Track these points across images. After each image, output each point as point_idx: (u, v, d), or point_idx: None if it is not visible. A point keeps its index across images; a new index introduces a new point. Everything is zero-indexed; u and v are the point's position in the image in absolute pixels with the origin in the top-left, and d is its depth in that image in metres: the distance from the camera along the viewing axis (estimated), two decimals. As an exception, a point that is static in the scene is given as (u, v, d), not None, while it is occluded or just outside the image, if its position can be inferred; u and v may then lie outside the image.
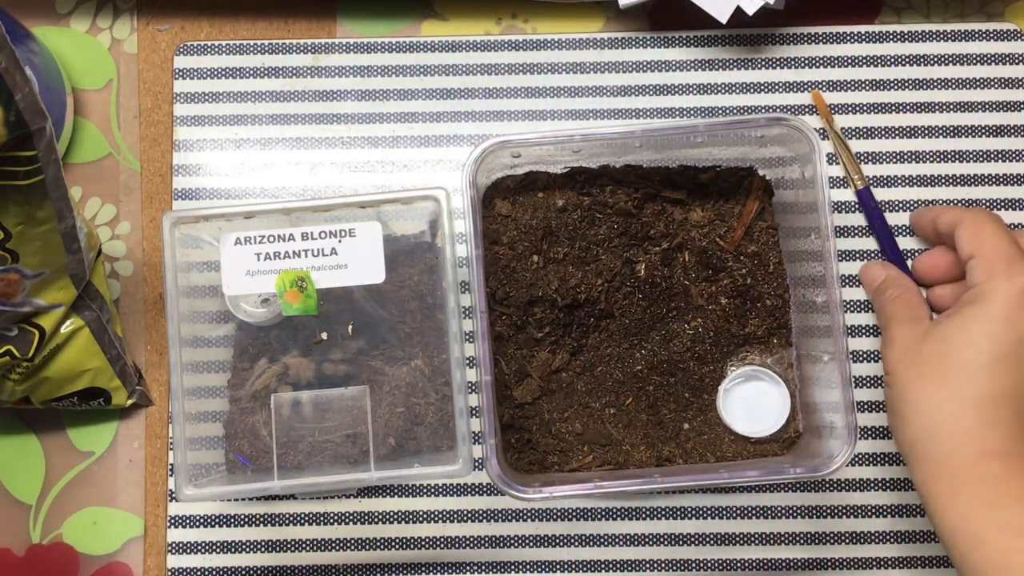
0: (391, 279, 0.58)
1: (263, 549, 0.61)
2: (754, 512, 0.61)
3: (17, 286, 0.53)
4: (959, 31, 0.64)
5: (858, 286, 0.62)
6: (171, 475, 0.62)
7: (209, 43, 0.65)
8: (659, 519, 0.61)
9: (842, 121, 0.63)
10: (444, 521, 0.61)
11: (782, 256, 0.59)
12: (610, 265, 0.58)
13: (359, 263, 0.53)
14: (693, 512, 0.61)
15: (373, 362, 0.58)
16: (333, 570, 0.61)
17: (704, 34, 0.64)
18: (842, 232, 0.62)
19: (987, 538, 0.44)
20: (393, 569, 0.61)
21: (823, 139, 0.63)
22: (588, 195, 0.59)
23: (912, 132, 0.63)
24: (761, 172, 0.59)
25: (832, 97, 0.63)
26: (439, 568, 0.61)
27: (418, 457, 0.57)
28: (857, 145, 0.63)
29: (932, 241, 0.59)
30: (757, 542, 0.61)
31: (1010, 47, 0.63)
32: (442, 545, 0.61)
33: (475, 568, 0.61)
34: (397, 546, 0.61)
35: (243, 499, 0.61)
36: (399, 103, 0.64)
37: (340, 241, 0.53)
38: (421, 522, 0.61)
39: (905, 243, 0.62)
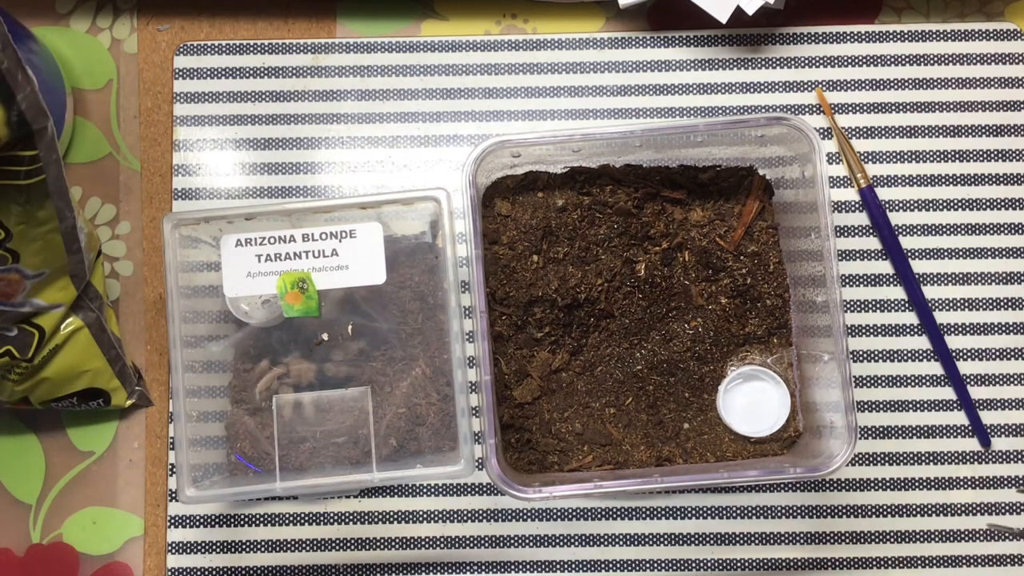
0: (392, 280, 0.58)
1: (263, 549, 0.61)
2: (754, 512, 0.61)
3: (17, 286, 0.53)
4: (959, 31, 0.64)
5: (858, 286, 0.62)
6: (171, 475, 0.62)
7: (209, 43, 0.65)
8: (659, 519, 0.61)
9: (842, 120, 0.63)
10: (444, 521, 0.61)
11: (782, 256, 0.59)
12: (610, 265, 0.58)
13: (360, 264, 0.54)
14: (693, 512, 0.61)
15: (374, 363, 0.58)
16: (333, 570, 0.61)
17: (704, 34, 0.64)
18: (842, 231, 0.62)
19: None
20: (393, 569, 0.61)
21: (825, 138, 0.63)
22: (588, 195, 0.59)
23: (912, 132, 0.63)
24: (761, 172, 0.60)
25: (832, 97, 0.63)
26: (439, 568, 0.61)
27: (420, 457, 0.57)
28: (857, 144, 0.63)
29: None
30: (757, 542, 0.61)
31: (1010, 47, 0.64)
32: (442, 545, 0.61)
33: (475, 568, 0.61)
34: (398, 546, 0.61)
35: (244, 500, 0.61)
36: (399, 103, 0.64)
37: (341, 242, 0.53)
38: (421, 522, 0.61)
39: (907, 242, 0.62)
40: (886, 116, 0.63)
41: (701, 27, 0.64)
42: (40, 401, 0.59)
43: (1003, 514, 0.61)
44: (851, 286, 0.62)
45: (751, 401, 0.58)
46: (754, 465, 0.54)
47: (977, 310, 0.62)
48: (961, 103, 0.63)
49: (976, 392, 0.61)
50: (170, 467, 0.62)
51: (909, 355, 0.62)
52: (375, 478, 0.52)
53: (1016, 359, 0.62)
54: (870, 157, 0.63)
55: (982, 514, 0.61)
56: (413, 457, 0.57)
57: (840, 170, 0.63)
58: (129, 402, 0.61)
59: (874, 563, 0.61)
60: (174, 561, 0.61)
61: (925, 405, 0.61)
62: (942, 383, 0.61)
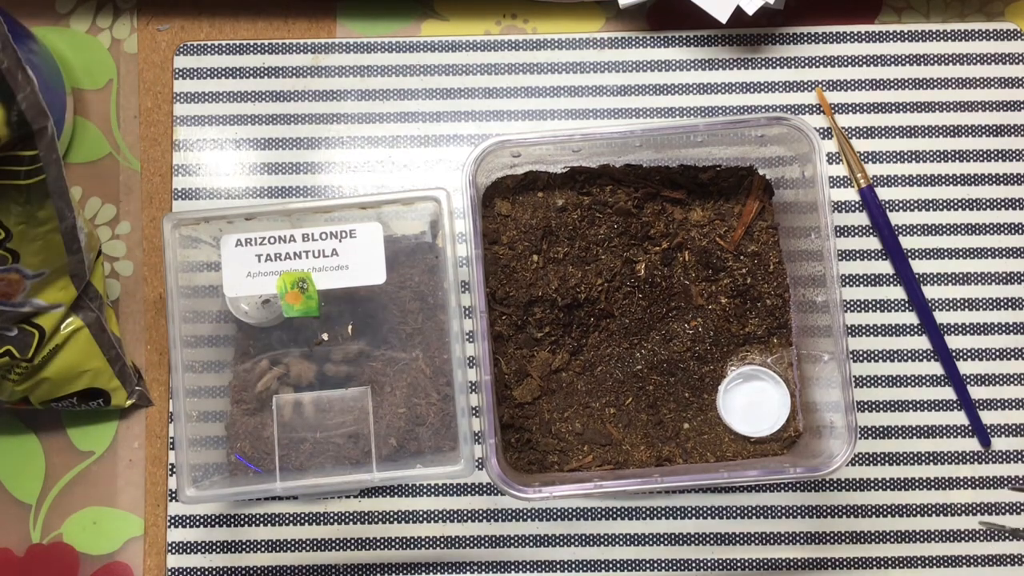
0: (392, 280, 0.58)
1: (263, 549, 0.61)
2: (754, 512, 0.61)
3: (17, 286, 0.53)
4: (959, 31, 0.64)
5: (858, 286, 0.62)
6: (171, 475, 0.62)
7: (209, 43, 0.65)
8: (659, 519, 0.61)
9: (842, 120, 0.63)
10: (444, 521, 0.61)
11: (782, 256, 0.59)
12: (610, 265, 0.58)
13: (360, 264, 0.54)
14: (693, 512, 0.61)
15: (374, 363, 0.58)
16: (333, 570, 0.61)
17: (704, 34, 0.64)
18: (842, 231, 0.62)
19: None
20: (393, 569, 0.61)
21: (825, 138, 0.63)
22: (588, 195, 0.59)
23: (912, 132, 0.63)
24: (761, 172, 0.60)
25: (832, 97, 0.63)
26: (439, 568, 0.61)
27: (420, 457, 0.57)
28: (857, 144, 0.63)
29: None
30: (757, 542, 0.61)
31: (1010, 47, 0.64)
32: (442, 545, 0.61)
33: (475, 568, 0.61)
34: (397, 546, 0.61)
35: (244, 499, 0.61)
36: (399, 103, 0.64)
37: (341, 242, 0.53)
38: (421, 522, 0.61)
39: (907, 242, 0.62)
40: (886, 116, 0.63)
41: (701, 27, 0.64)
42: (40, 401, 0.59)
43: (1003, 514, 0.61)
44: (851, 286, 0.62)
45: (751, 401, 0.58)
46: (754, 465, 0.54)
47: (977, 310, 0.62)
48: (961, 103, 0.63)
49: (976, 392, 0.61)
50: (170, 467, 0.62)
51: (909, 355, 0.62)
52: (375, 478, 0.52)
53: (1016, 359, 0.62)
54: (870, 157, 0.63)
55: (982, 514, 0.61)
56: (413, 457, 0.57)
57: (840, 170, 0.63)
58: (129, 402, 0.61)
59: (874, 563, 0.61)
60: (174, 561, 0.61)
61: (925, 405, 0.61)
62: (942, 383, 0.61)
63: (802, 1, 0.64)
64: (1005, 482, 0.61)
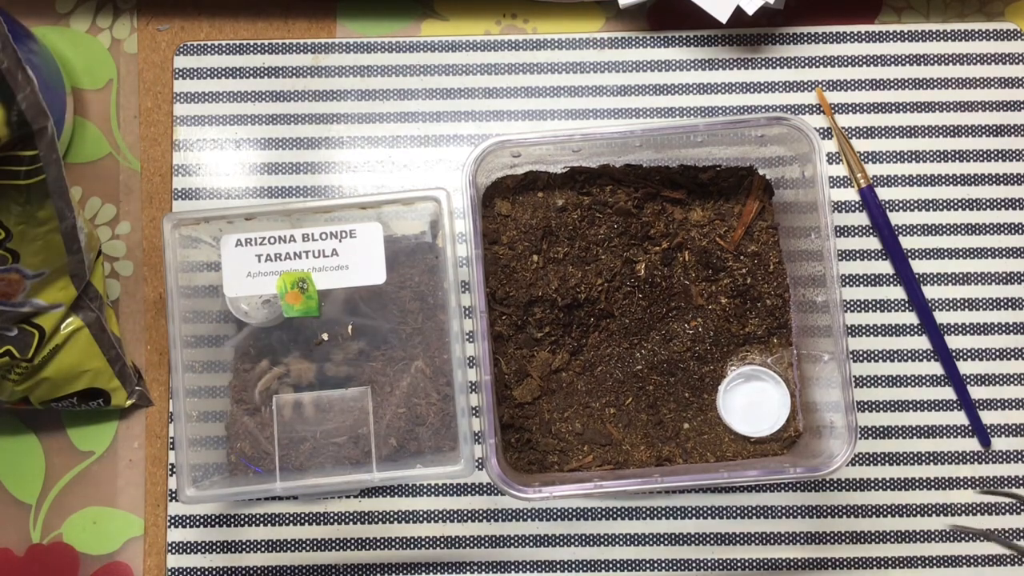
0: (392, 280, 0.58)
1: (263, 549, 0.61)
2: (754, 512, 0.61)
3: (17, 286, 0.53)
4: (959, 31, 0.64)
5: (858, 286, 0.62)
6: (171, 475, 0.62)
7: (209, 43, 0.65)
8: (659, 519, 0.61)
9: (842, 120, 0.63)
10: (444, 521, 0.61)
11: (782, 256, 0.59)
12: (610, 265, 0.58)
13: (360, 264, 0.54)
14: (693, 512, 0.61)
15: (374, 363, 0.58)
16: (333, 570, 0.61)
17: (704, 34, 0.64)
18: (842, 231, 0.62)
19: None
20: (393, 569, 0.61)
21: (825, 138, 0.63)
22: (588, 195, 0.59)
23: (912, 132, 0.63)
24: (761, 172, 0.60)
25: (832, 96, 0.63)
26: (439, 568, 0.61)
27: (420, 457, 0.57)
28: (857, 144, 0.63)
29: None
30: (757, 542, 0.61)
31: (1010, 47, 0.64)
32: (442, 545, 0.61)
33: (475, 568, 0.61)
34: (397, 546, 0.61)
35: (244, 499, 0.61)
36: (399, 103, 0.64)
37: (341, 242, 0.53)
38: (421, 522, 0.61)
39: (907, 242, 0.62)
40: (886, 116, 0.63)
41: (701, 27, 0.64)
42: (40, 401, 0.59)
43: (1003, 514, 0.61)
44: (851, 286, 0.62)
45: (751, 401, 0.58)
46: (754, 465, 0.54)
47: (977, 310, 0.62)
48: (961, 103, 0.63)
49: (976, 392, 0.61)
50: (170, 467, 0.62)
51: (909, 355, 0.62)
52: (375, 478, 0.52)
53: (1016, 359, 0.62)
54: (870, 157, 0.63)
55: (982, 514, 0.61)
56: (413, 457, 0.57)
57: (840, 170, 0.63)
58: (129, 402, 0.61)
59: (874, 563, 0.61)
60: (174, 561, 0.61)
61: (925, 405, 0.61)
62: (942, 383, 0.61)
63: (802, 1, 0.64)
64: (1006, 482, 0.61)
